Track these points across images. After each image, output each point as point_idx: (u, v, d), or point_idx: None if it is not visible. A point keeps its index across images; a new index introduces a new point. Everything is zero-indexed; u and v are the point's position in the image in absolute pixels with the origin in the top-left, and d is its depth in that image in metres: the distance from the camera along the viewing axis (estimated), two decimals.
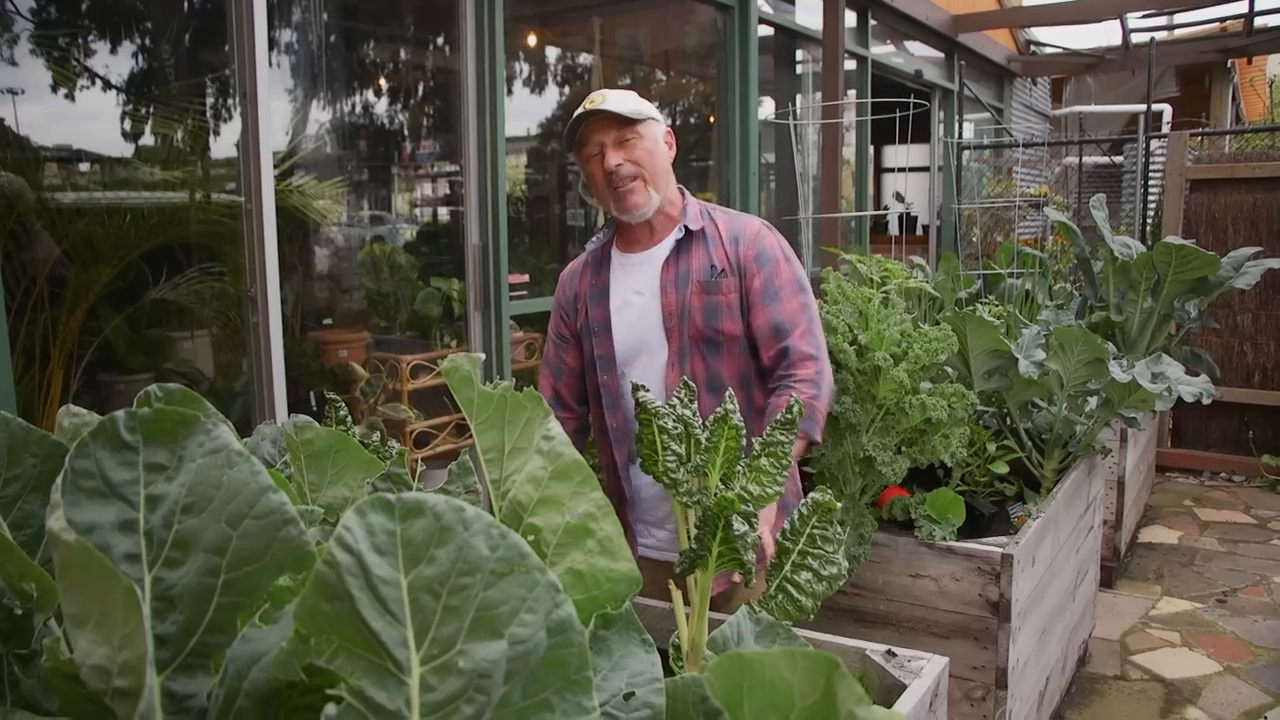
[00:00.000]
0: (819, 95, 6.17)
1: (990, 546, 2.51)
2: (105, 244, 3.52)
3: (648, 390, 1.27)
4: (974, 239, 7.28)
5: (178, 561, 0.65)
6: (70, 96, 4.03)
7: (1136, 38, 9.92)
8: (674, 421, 1.20)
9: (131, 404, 0.75)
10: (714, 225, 2.13)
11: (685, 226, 2.10)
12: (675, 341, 2.07)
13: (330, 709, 0.54)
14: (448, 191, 6.27)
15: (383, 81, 6.13)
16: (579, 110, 2.06)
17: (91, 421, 0.83)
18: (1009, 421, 3.18)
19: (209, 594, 0.65)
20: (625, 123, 2.03)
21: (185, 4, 4.70)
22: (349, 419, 1.46)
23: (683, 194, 2.21)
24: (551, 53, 6.59)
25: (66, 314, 3.44)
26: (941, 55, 8.87)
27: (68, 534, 0.59)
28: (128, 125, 4.28)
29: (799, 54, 6.97)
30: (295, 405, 3.28)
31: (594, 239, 2.25)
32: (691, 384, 1.31)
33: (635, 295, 2.12)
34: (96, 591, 0.59)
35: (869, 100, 6.55)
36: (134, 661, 0.59)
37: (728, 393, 1.25)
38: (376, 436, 1.45)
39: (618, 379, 2.11)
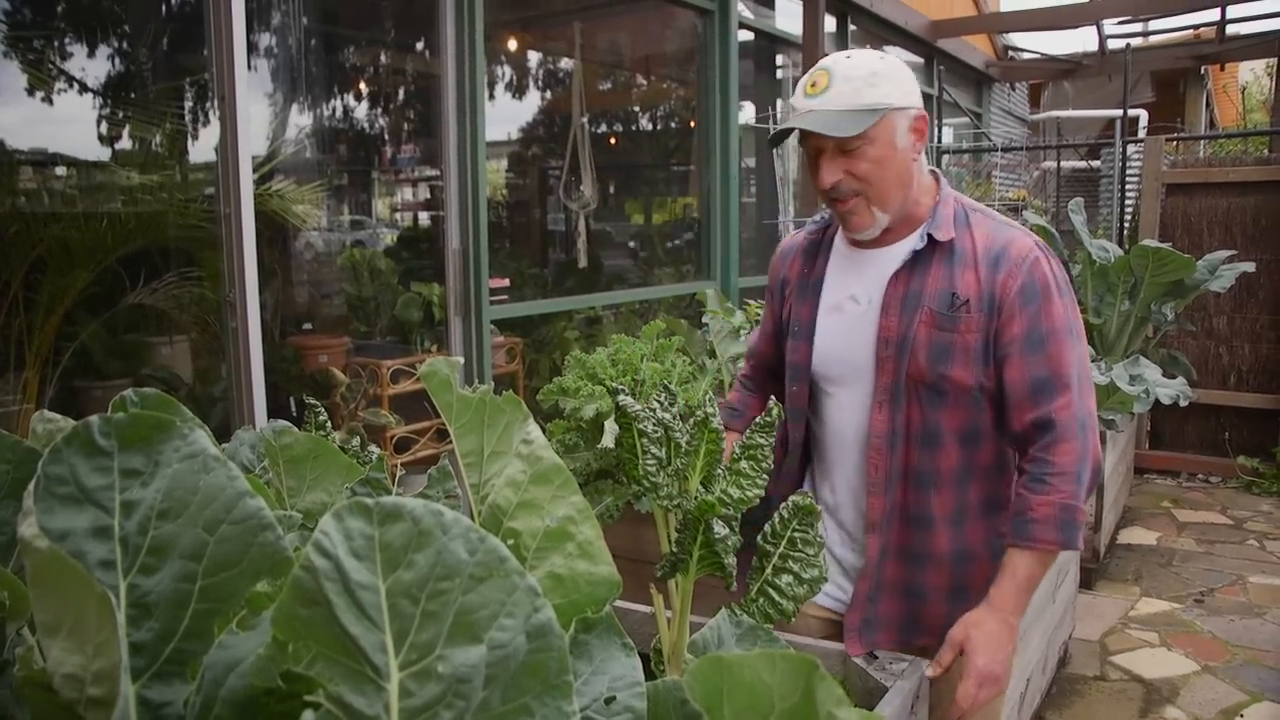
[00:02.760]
0: None
1: None
2: (81, 248, 3.49)
3: (629, 394, 1.27)
4: None
5: (153, 568, 0.65)
6: (47, 100, 3.99)
7: (1113, 44, 10.02)
8: (654, 425, 1.20)
9: (108, 410, 0.74)
10: (969, 237, 1.65)
11: (929, 235, 1.64)
12: (888, 375, 1.66)
13: (308, 715, 0.54)
14: (428, 196, 6.26)
15: (363, 86, 6.12)
16: (796, 96, 1.63)
17: (66, 427, 0.82)
18: None
19: (185, 600, 0.65)
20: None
21: (163, 7, 4.67)
22: (329, 424, 1.46)
23: (936, 180, 1.74)
24: (532, 57, 6.60)
25: (42, 319, 3.41)
26: (920, 60, 8.93)
27: (40, 541, 0.58)
28: (105, 129, 4.26)
29: (779, 59, 7.01)
30: (275, 411, 3.26)
31: (816, 218, 1.84)
32: (671, 387, 1.31)
33: (850, 301, 1.72)
34: (70, 599, 0.59)
35: None
36: (108, 669, 0.58)
37: (707, 396, 1.24)
38: (356, 442, 1.44)
39: (807, 393, 1.75)
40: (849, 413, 1.72)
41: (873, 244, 1.70)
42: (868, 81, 1.55)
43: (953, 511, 1.68)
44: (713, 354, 3.16)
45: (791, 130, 1.59)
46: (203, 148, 4.26)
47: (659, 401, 1.26)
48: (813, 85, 1.57)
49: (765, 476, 1.20)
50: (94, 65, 4.36)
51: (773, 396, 1.45)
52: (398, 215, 6.65)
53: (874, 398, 1.68)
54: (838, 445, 1.75)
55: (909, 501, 1.69)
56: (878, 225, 1.64)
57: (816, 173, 1.62)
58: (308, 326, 5.05)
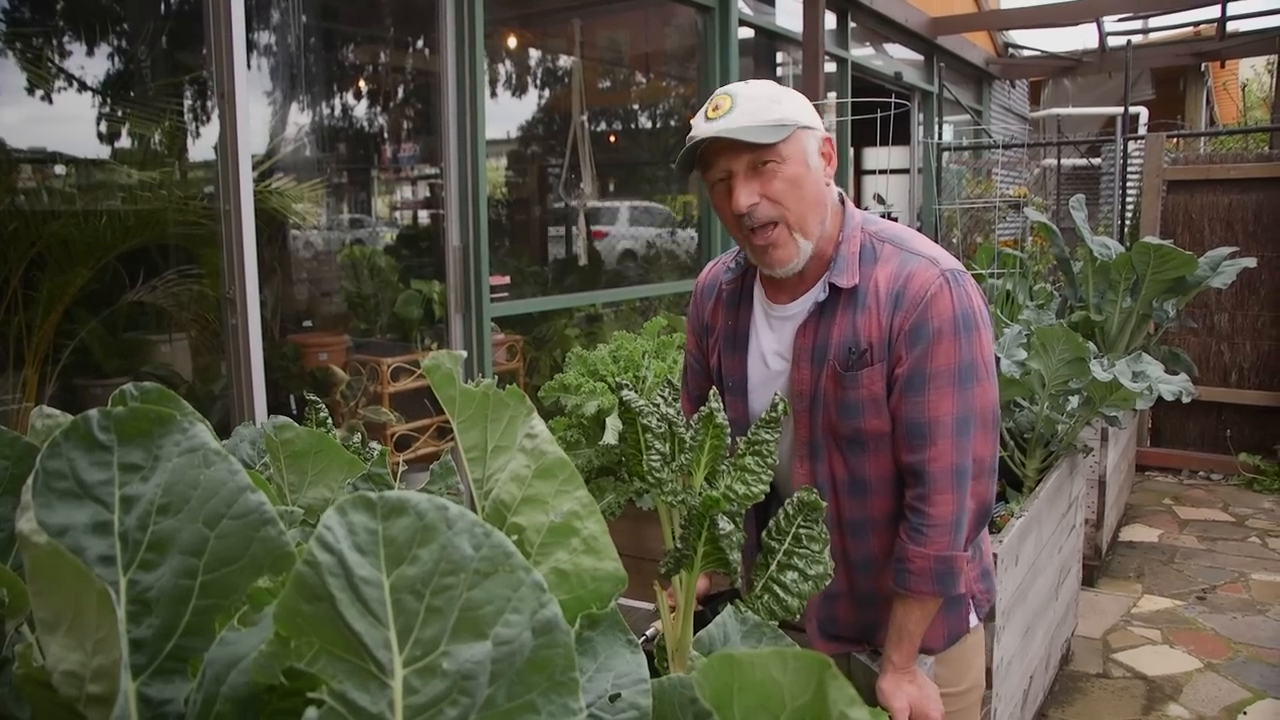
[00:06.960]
0: None
1: None
2: (81, 246, 3.48)
3: (632, 389, 1.27)
4: (954, 240, 7.31)
5: (154, 563, 0.64)
6: (46, 98, 3.98)
7: (1113, 41, 10.01)
8: (658, 420, 1.19)
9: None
10: (875, 276, 1.55)
11: (830, 284, 1.56)
12: (804, 430, 1.62)
13: (311, 712, 0.53)
14: (428, 193, 6.25)
15: (362, 83, 6.11)
16: (697, 122, 1.52)
17: (65, 423, 0.81)
18: None
19: (186, 596, 0.64)
20: (760, 145, 1.48)
21: (162, 4, 4.66)
22: (329, 422, 1.45)
23: (843, 210, 1.63)
24: (532, 55, 6.59)
25: (42, 316, 3.40)
26: (921, 57, 8.92)
27: (39, 536, 0.57)
28: (104, 126, 4.24)
29: (779, 56, 6.99)
30: (275, 408, 3.25)
31: (731, 262, 1.74)
32: (675, 382, 1.30)
33: (776, 357, 1.66)
34: (69, 595, 0.58)
35: (849, 101, 6.57)
36: (108, 667, 0.57)
37: (711, 390, 1.23)
38: (357, 439, 1.44)
39: None
40: (778, 466, 1.69)
41: (786, 298, 1.64)
42: (772, 99, 1.50)
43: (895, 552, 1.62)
44: None
45: (699, 149, 1.50)
46: (202, 145, 4.25)
47: (662, 396, 1.25)
48: (715, 109, 1.49)
49: (770, 472, 1.19)
50: (93, 63, 4.34)
51: (776, 392, 1.45)
52: (397, 213, 6.64)
53: (794, 452, 1.64)
54: (771, 494, 1.72)
55: (848, 548, 1.66)
56: (802, 256, 1.55)
57: (729, 200, 1.52)
58: (308, 324, 5.04)
